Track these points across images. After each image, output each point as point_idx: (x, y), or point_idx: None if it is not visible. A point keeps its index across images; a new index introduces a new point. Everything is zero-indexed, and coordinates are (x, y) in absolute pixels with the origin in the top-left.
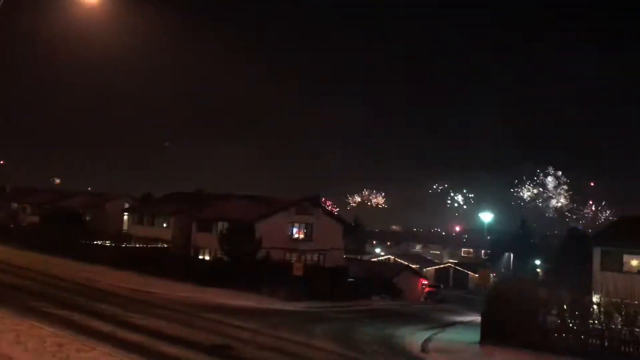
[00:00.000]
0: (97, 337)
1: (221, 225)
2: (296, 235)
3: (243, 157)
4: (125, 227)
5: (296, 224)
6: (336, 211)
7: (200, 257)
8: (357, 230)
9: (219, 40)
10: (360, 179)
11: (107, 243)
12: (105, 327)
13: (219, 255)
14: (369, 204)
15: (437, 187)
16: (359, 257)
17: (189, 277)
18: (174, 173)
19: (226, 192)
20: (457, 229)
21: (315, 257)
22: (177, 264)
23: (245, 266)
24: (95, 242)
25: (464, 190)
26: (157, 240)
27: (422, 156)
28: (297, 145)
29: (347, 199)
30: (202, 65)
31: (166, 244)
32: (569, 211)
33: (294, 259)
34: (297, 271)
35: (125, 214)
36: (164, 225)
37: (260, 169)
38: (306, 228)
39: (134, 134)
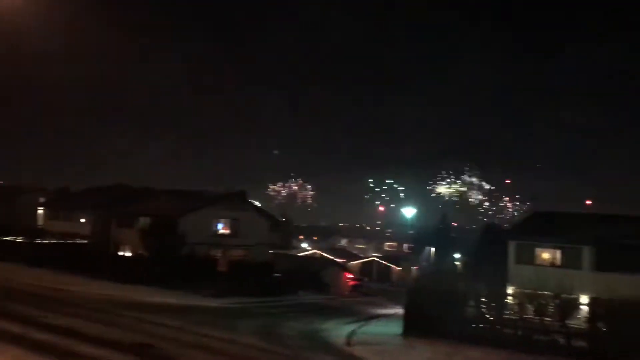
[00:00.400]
0: (7, 340)
1: (143, 221)
2: (222, 231)
3: (167, 151)
4: (40, 222)
5: (222, 220)
6: (261, 205)
7: (121, 253)
8: (284, 225)
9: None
10: (286, 174)
11: (20, 239)
12: (17, 329)
13: (141, 252)
14: (298, 201)
15: (363, 183)
16: (285, 252)
17: (109, 274)
18: (93, 167)
19: (149, 187)
20: (381, 209)
21: (241, 253)
22: (96, 260)
23: (168, 262)
24: (5, 239)
25: (387, 181)
26: (74, 235)
27: (349, 152)
28: (225, 140)
29: (270, 190)
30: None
31: (84, 239)
32: (486, 207)
33: (219, 254)
34: (223, 267)
35: (40, 208)
36: (82, 220)
37: (185, 163)
38: (232, 223)
39: (48, 127)
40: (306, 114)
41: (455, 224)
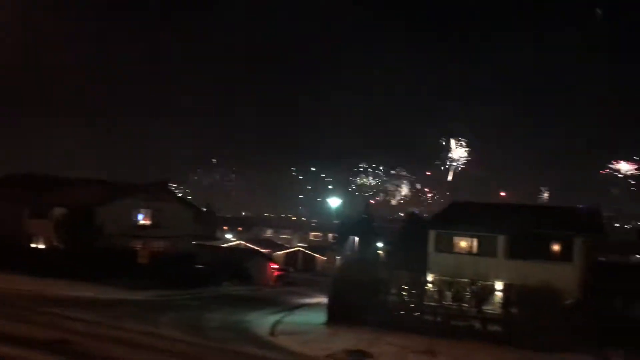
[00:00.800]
0: None
1: (58, 211)
2: (143, 222)
3: (86, 140)
4: None
5: (143, 210)
6: (184, 195)
7: (34, 245)
8: (207, 216)
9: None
10: (211, 164)
11: None
12: None
13: (56, 244)
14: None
15: (289, 173)
16: (209, 242)
17: (20, 267)
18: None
19: (65, 176)
20: (301, 197)
21: (163, 244)
22: (6, 253)
23: (85, 255)
24: None
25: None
26: None
27: (274, 143)
28: (146, 129)
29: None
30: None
31: None
32: (408, 198)
33: (140, 246)
34: (143, 259)
35: None
36: None
37: (105, 152)
38: (154, 214)
39: None
40: (232, 103)
41: (380, 214)
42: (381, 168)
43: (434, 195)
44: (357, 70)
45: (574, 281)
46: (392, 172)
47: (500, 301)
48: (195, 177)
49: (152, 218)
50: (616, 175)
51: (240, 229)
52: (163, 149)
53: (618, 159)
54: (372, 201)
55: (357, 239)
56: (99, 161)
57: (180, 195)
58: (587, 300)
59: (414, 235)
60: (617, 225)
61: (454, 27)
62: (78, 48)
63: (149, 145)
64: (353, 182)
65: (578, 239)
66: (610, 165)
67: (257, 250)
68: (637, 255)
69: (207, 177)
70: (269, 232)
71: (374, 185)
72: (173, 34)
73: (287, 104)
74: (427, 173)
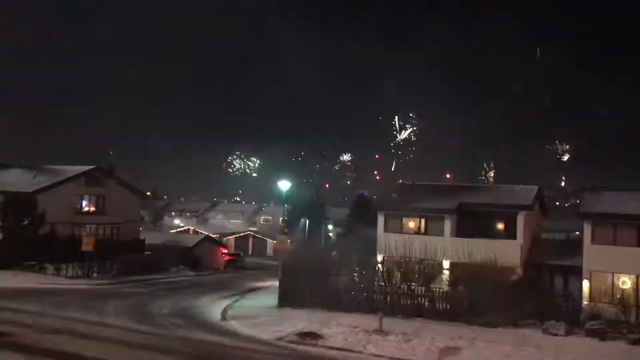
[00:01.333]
0: None
1: None
2: (86, 208)
3: (21, 124)
4: None
5: (86, 196)
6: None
7: None
8: (155, 201)
9: None
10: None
11: None
12: None
13: None
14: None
15: (232, 158)
16: (157, 228)
17: None
18: None
19: (3, 162)
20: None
21: (108, 231)
22: None
23: (25, 243)
24: None
25: (254, 159)
26: None
27: (214, 126)
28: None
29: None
30: None
31: None
32: (356, 180)
33: (85, 233)
34: (87, 246)
35: None
36: None
37: (44, 137)
38: (97, 200)
39: None
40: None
41: (330, 196)
42: (329, 149)
43: (383, 177)
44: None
45: (518, 258)
46: (342, 158)
47: (448, 279)
48: (143, 162)
49: (97, 204)
50: (559, 156)
51: (189, 214)
52: (107, 135)
53: (558, 139)
54: (326, 185)
55: (307, 222)
56: (41, 147)
57: (125, 180)
58: (530, 276)
59: (363, 216)
60: (558, 203)
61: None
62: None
63: (92, 130)
64: (302, 165)
65: (521, 217)
66: (550, 147)
67: (207, 235)
68: (577, 233)
69: (154, 161)
70: (218, 217)
71: (324, 167)
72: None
73: (226, 89)
74: (375, 156)
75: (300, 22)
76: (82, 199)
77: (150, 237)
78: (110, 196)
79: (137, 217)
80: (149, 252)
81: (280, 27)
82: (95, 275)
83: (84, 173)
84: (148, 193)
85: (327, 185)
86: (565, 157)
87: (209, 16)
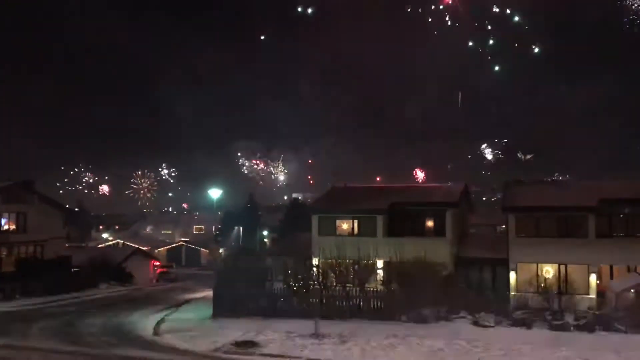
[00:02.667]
0: None
1: None
2: (6, 227)
3: None
4: None
5: (5, 214)
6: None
7: None
8: (81, 216)
9: None
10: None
11: None
12: None
13: None
14: (93, 192)
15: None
16: (84, 244)
17: None
18: None
19: None
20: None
21: (31, 249)
22: None
23: None
24: None
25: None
26: None
27: (130, 137)
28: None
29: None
30: None
31: None
32: (288, 185)
33: (5, 253)
34: (8, 266)
35: None
36: None
37: None
38: (18, 217)
39: None
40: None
41: (262, 202)
42: (258, 155)
43: (315, 181)
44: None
45: (448, 254)
46: (274, 163)
47: (381, 279)
48: (65, 179)
49: (17, 222)
50: (482, 154)
51: (118, 227)
52: (23, 149)
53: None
54: (259, 184)
55: (241, 229)
56: None
57: (47, 196)
58: (460, 271)
59: (298, 221)
60: (485, 198)
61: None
62: None
63: (8, 144)
64: (233, 170)
65: (448, 214)
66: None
67: (137, 247)
68: (503, 226)
69: (77, 177)
70: (149, 229)
71: (256, 171)
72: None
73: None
74: (309, 161)
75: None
76: (1, 217)
77: (77, 254)
78: (32, 213)
79: (62, 233)
80: (77, 269)
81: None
82: (17, 296)
83: (3, 189)
84: (77, 209)
85: (260, 183)
86: (490, 156)
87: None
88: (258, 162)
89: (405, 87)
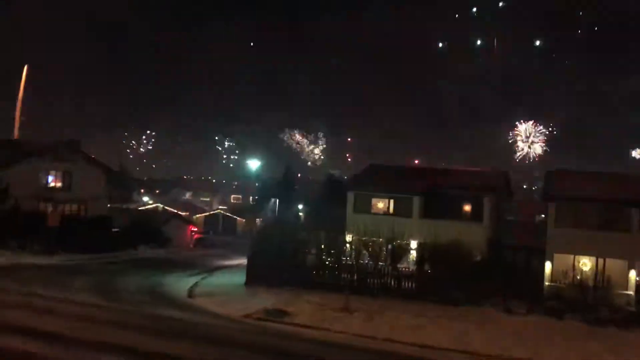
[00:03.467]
0: None
1: None
2: (52, 184)
3: None
4: None
5: (52, 172)
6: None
7: None
8: (123, 178)
9: None
10: (123, 125)
11: None
12: None
13: None
14: (140, 149)
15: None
16: (125, 205)
17: None
18: None
19: None
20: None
21: (75, 207)
22: None
23: None
24: None
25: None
26: None
27: (185, 104)
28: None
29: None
30: None
31: None
32: (327, 161)
33: (51, 209)
34: (53, 222)
35: None
36: None
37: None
38: (64, 176)
39: None
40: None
41: (300, 176)
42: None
43: (353, 158)
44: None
45: (483, 239)
46: (317, 135)
47: (414, 259)
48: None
49: (63, 180)
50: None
51: (158, 191)
52: (74, 109)
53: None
54: (299, 156)
55: (277, 201)
56: (5, 121)
57: (93, 156)
58: (494, 256)
59: (333, 196)
60: (525, 186)
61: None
62: None
63: (58, 104)
64: (273, 142)
65: (486, 199)
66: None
67: (176, 212)
68: (542, 215)
69: (122, 139)
70: (188, 195)
71: (296, 145)
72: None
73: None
74: (348, 139)
75: None
76: (48, 175)
77: (118, 214)
78: (76, 172)
79: (105, 193)
80: (117, 229)
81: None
82: (60, 251)
83: (51, 148)
84: (120, 171)
85: (301, 157)
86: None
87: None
88: (298, 135)
89: (441, 70)
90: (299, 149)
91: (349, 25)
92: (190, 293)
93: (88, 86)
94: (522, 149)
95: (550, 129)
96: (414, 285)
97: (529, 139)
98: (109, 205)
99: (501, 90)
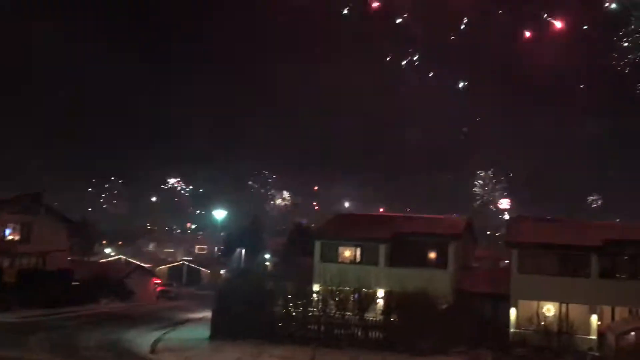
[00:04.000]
0: None
1: None
2: (10, 237)
3: None
4: None
5: (10, 224)
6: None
7: None
8: (84, 230)
9: None
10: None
11: None
12: None
13: None
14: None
15: (166, 185)
16: (86, 258)
17: None
18: None
19: None
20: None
21: (33, 261)
22: None
23: None
24: None
25: (191, 187)
26: None
27: (139, 153)
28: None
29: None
30: None
31: None
32: (292, 209)
33: (7, 263)
34: (9, 277)
35: None
36: None
37: None
38: (23, 228)
39: None
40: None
41: (266, 225)
42: (268, 179)
43: (319, 207)
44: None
45: (449, 286)
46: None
47: (381, 308)
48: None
49: (21, 232)
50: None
51: (121, 243)
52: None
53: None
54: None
55: (243, 250)
56: None
57: (54, 208)
58: (461, 304)
59: (300, 245)
60: (489, 232)
61: None
62: None
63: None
64: (239, 193)
65: (451, 246)
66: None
67: (139, 264)
68: (507, 261)
69: (83, 191)
70: (152, 246)
71: (262, 194)
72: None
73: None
74: (314, 188)
75: None
76: (5, 227)
77: (79, 267)
78: (37, 224)
79: (65, 246)
80: (78, 283)
81: None
82: (18, 307)
83: (10, 200)
84: (81, 222)
85: (266, 207)
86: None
87: None
88: (266, 185)
89: (404, 121)
90: (268, 197)
91: (307, 77)
92: (153, 348)
93: (50, 137)
94: (483, 196)
95: (510, 175)
96: (381, 335)
97: (488, 186)
98: (69, 258)
99: (463, 139)
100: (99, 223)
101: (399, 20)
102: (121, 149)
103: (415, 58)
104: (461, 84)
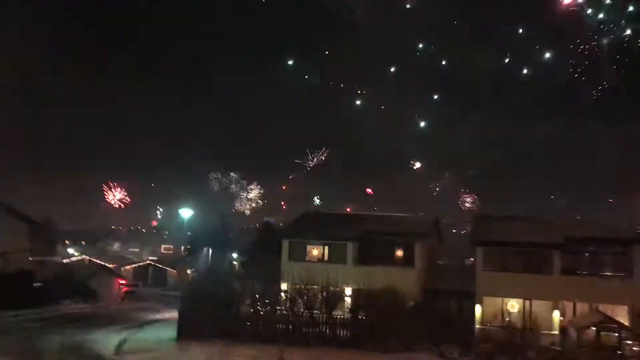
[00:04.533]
0: None
1: None
2: None
3: None
4: None
5: None
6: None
7: None
8: (46, 229)
9: None
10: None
11: None
12: None
13: None
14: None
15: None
16: (48, 258)
17: None
18: None
19: None
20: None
21: None
22: None
23: None
24: None
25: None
26: None
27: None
28: None
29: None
30: None
31: None
32: (260, 209)
33: None
34: None
35: None
36: None
37: None
38: None
39: None
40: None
41: (234, 224)
42: (233, 177)
43: (287, 206)
44: None
45: (415, 284)
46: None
47: (349, 307)
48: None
49: None
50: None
51: (84, 242)
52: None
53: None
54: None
55: (210, 250)
56: None
57: (13, 207)
58: (427, 301)
59: (268, 244)
60: (455, 231)
61: None
62: None
63: None
64: (206, 191)
65: (418, 244)
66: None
67: (103, 265)
68: (472, 259)
69: (45, 186)
70: (116, 246)
71: (228, 193)
72: None
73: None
74: (282, 187)
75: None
76: None
77: (41, 268)
78: None
79: (26, 246)
80: (39, 284)
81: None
82: None
83: None
84: (42, 222)
85: (233, 209)
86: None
87: None
88: (232, 181)
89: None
90: (234, 190)
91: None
92: (118, 350)
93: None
94: (448, 195)
95: (473, 175)
96: (348, 333)
97: (451, 186)
98: (30, 259)
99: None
100: (62, 223)
101: None
102: (81, 147)
103: None
104: None
